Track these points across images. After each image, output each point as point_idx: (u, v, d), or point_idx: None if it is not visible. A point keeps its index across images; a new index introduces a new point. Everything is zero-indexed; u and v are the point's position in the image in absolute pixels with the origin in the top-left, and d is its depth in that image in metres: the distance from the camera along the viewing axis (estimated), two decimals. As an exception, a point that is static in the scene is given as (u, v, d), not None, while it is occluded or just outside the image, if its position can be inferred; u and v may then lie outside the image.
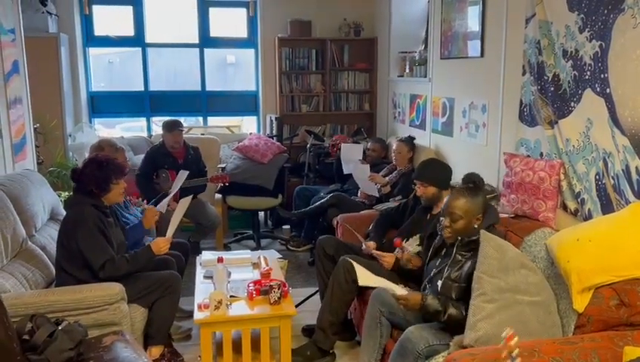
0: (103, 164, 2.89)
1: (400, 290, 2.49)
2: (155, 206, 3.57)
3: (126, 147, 4.73)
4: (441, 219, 2.58)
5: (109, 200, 2.94)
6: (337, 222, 3.85)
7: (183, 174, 4.00)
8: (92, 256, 2.75)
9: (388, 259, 3.04)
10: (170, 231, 3.07)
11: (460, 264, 2.46)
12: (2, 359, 1.95)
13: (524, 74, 3.24)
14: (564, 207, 2.89)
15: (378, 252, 3.15)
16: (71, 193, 4.62)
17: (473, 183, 2.53)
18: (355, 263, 2.76)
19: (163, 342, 2.98)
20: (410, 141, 4.60)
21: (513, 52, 3.37)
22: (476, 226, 2.47)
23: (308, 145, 5.59)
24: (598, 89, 2.57)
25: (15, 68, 3.84)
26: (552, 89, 2.93)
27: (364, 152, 5.03)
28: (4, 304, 2.00)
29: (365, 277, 2.61)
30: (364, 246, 3.26)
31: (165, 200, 3.64)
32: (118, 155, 3.46)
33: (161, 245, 2.96)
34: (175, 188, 4.02)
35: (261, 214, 5.60)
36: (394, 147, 4.64)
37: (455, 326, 2.32)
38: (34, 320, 2.20)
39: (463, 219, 2.47)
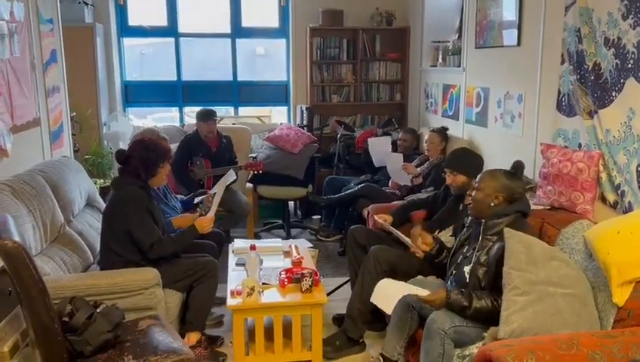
0: (151, 148, 2.95)
1: (422, 291, 2.56)
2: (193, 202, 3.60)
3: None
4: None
5: (154, 183, 3.01)
6: (368, 212, 3.84)
7: (229, 176, 3.79)
8: (141, 237, 2.82)
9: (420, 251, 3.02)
10: (213, 210, 3.13)
11: (488, 247, 2.47)
12: (45, 339, 2.01)
13: (562, 63, 3.16)
14: (603, 199, 2.82)
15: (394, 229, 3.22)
16: (107, 181, 4.76)
17: (514, 168, 2.59)
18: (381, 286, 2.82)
19: (201, 328, 3.01)
20: (442, 131, 4.54)
21: (551, 40, 3.29)
22: (492, 205, 2.52)
23: (338, 136, 5.58)
24: (641, 78, 2.50)
25: (53, 57, 3.92)
26: (593, 78, 2.85)
27: (394, 143, 4.99)
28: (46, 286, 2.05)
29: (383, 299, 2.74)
30: (377, 219, 3.33)
31: (213, 209, 3.31)
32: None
33: (205, 224, 3.03)
34: (219, 188, 3.66)
35: (291, 204, 5.61)
36: (426, 137, 4.60)
37: (486, 318, 2.30)
38: (73, 303, 2.25)
39: (481, 191, 2.56)
